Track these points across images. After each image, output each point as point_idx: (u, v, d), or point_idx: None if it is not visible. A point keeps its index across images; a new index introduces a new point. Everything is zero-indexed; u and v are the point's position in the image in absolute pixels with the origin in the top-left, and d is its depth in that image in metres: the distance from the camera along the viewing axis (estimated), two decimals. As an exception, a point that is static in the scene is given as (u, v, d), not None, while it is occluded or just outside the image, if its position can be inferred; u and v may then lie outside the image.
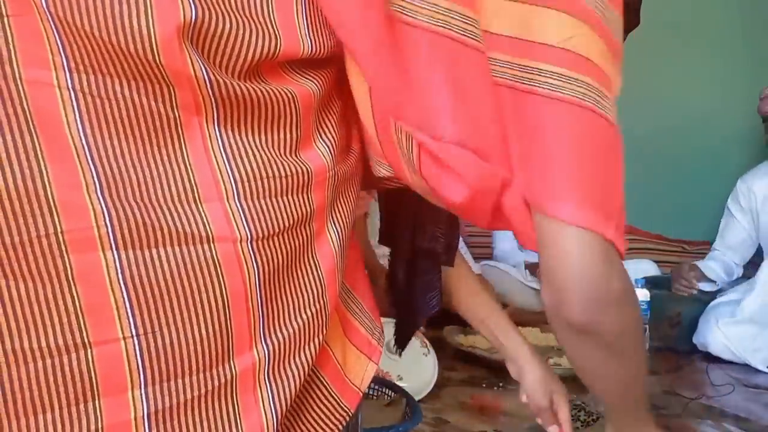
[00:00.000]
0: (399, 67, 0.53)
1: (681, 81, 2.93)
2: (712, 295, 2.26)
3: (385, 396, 1.33)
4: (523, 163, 0.54)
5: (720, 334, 2.01)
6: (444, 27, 0.52)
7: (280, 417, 0.52)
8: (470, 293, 0.99)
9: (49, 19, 0.45)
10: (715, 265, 2.36)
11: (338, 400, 0.60)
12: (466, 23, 0.52)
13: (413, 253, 0.85)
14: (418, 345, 1.48)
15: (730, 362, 2.00)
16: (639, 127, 2.99)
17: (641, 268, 2.50)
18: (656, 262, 2.66)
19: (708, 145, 2.89)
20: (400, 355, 0.96)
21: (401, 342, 0.95)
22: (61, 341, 0.45)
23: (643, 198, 2.84)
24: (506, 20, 0.52)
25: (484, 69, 0.53)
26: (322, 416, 0.59)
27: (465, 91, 0.53)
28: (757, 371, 1.92)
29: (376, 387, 1.35)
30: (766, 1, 2.89)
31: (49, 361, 0.44)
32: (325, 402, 0.59)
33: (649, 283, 2.24)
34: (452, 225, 0.84)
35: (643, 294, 2.14)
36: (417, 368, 1.44)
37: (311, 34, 0.52)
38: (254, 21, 0.49)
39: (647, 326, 2.11)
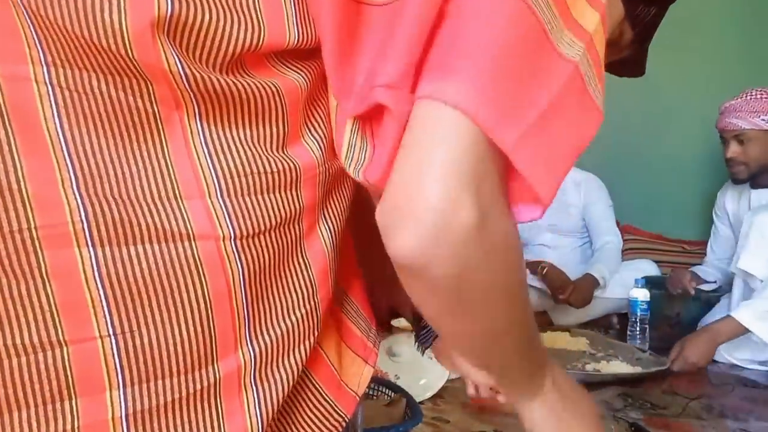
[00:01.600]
0: (357, 49, 0.48)
1: (681, 81, 2.93)
2: (712, 296, 2.26)
3: (385, 396, 1.33)
4: (433, 49, 0.45)
5: None
6: None
7: (266, 422, 0.51)
8: None
9: (24, 12, 0.44)
10: (710, 269, 2.36)
11: (333, 405, 0.58)
12: None
13: None
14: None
15: (730, 362, 2.00)
16: (639, 127, 2.99)
17: (641, 267, 2.51)
18: (656, 262, 2.66)
19: (708, 145, 2.89)
20: (423, 353, 0.92)
21: (422, 339, 0.90)
22: (36, 339, 0.43)
23: (643, 198, 2.85)
24: None
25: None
26: (317, 422, 0.57)
27: (422, 29, 0.45)
28: (758, 371, 1.92)
29: (376, 387, 1.35)
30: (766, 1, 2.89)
31: (24, 359, 0.43)
32: (320, 407, 0.58)
33: (649, 283, 2.25)
34: None
35: (643, 294, 2.14)
36: (422, 371, 1.42)
37: (299, 23, 0.50)
38: (237, 10, 0.47)
39: (647, 326, 2.12)
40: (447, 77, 0.42)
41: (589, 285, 2.35)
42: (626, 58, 0.70)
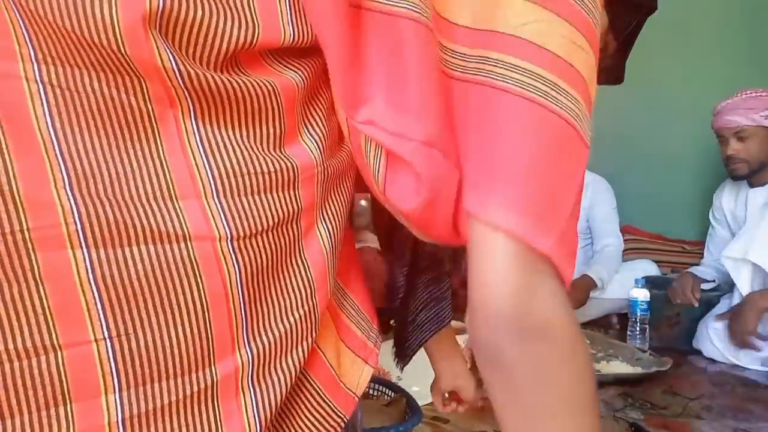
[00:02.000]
0: (361, 58, 0.50)
1: (682, 81, 2.93)
2: (712, 295, 2.26)
3: (385, 396, 1.33)
4: (464, 160, 0.49)
5: (709, 338, 2.04)
6: (415, 11, 0.48)
7: (264, 424, 0.50)
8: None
9: (14, 8, 0.43)
10: (708, 269, 2.36)
11: (332, 406, 0.58)
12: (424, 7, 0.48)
13: (414, 258, 0.82)
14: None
15: (730, 362, 2.00)
16: (639, 127, 2.99)
17: (641, 267, 2.51)
18: (656, 262, 2.66)
19: (708, 145, 2.89)
20: (401, 369, 0.92)
21: (402, 355, 0.91)
22: (29, 343, 0.43)
23: (643, 198, 2.85)
24: (467, 9, 0.49)
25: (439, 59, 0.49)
26: (316, 423, 0.57)
27: (430, 81, 0.49)
28: (757, 371, 1.92)
29: (376, 387, 1.35)
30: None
31: (17, 364, 0.42)
32: (318, 408, 0.57)
33: (649, 283, 2.25)
34: None
35: (643, 294, 2.14)
36: (425, 377, 1.41)
37: (294, 20, 0.49)
38: (230, 7, 0.46)
39: (647, 326, 2.12)
40: (490, 198, 0.47)
41: (584, 286, 2.35)
42: (605, 66, 0.71)
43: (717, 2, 2.91)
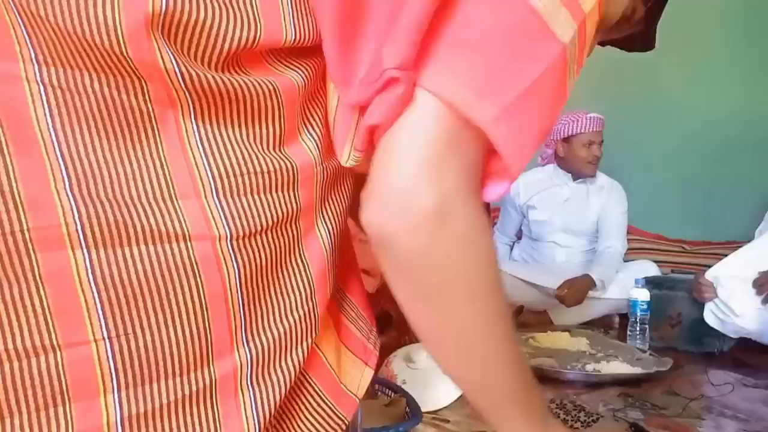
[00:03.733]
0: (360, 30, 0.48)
1: (682, 81, 2.93)
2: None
3: (385, 396, 1.33)
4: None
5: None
6: None
7: (263, 424, 0.50)
8: None
9: (14, 9, 0.43)
10: None
11: (333, 408, 0.58)
12: None
13: None
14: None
15: (730, 362, 2.00)
16: (639, 128, 2.99)
17: (641, 268, 2.50)
18: (656, 262, 2.66)
19: (708, 145, 2.89)
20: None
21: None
22: (28, 343, 0.43)
23: (643, 198, 2.85)
24: None
25: None
26: (316, 424, 0.57)
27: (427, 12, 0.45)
28: (757, 371, 1.92)
29: (376, 387, 1.35)
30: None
31: (16, 364, 0.43)
32: (318, 410, 0.57)
33: (649, 283, 2.24)
34: None
35: (643, 294, 2.14)
36: (430, 385, 1.41)
37: (296, 21, 0.49)
38: (233, 8, 0.46)
39: (647, 326, 2.12)
40: (433, 64, 0.44)
41: (584, 285, 2.35)
42: (635, 33, 0.70)
43: (719, 2, 2.91)
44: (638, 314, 2.12)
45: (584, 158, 2.59)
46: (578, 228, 2.67)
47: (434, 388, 1.39)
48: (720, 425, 1.44)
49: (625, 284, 2.31)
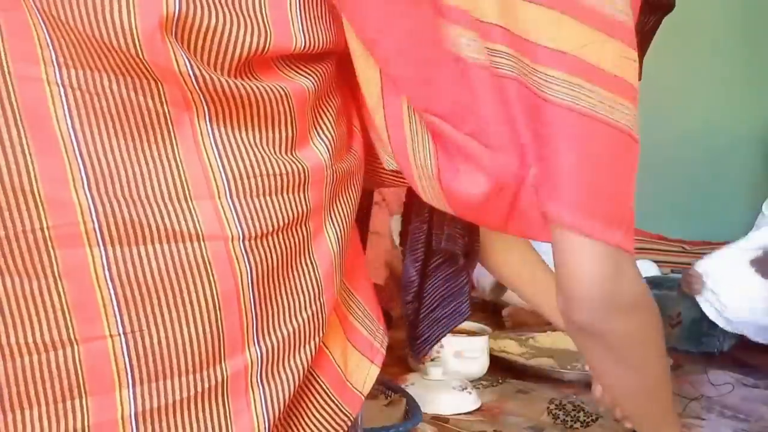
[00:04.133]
0: (427, 58, 0.55)
1: (682, 82, 2.93)
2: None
3: (385, 396, 1.33)
4: (537, 162, 0.56)
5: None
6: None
7: (272, 421, 0.52)
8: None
9: (37, 14, 0.45)
10: None
11: (339, 405, 0.59)
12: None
13: (427, 254, 0.83)
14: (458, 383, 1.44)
15: (730, 362, 2.00)
16: (639, 128, 2.99)
17: (641, 268, 2.50)
18: (656, 262, 2.65)
19: (708, 145, 2.89)
20: (419, 362, 0.94)
21: (418, 350, 0.93)
22: (47, 337, 0.45)
23: (643, 198, 2.84)
24: (514, 18, 0.53)
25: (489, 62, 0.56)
26: (323, 421, 0.58)
27: (479, 83, 0.56)
28: (757, 371, 1.92)
29: (377, 387, 1.35)
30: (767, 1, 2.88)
31: (35, 357, 0.44)
32: (325, 407, 0.59)
33: (649, 283, 2.24)
34: (472, 228, 0.82)
35: (643, 294, 2.14)
36: (434, 395, 1.40)
37: (306, 28, 0.51)
38: (243, 15, 0.48)
39: (647, 326, 2.11)
40: (568, 209, 0.56)
41: None
42: None
43: (717, 3, 2.91)
44: (638, 314, 2.11)
45: None
46: None
47: (440, 397, 1.39)
48: (720, 425, 1.44)
49: None
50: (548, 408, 1.40)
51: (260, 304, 0.50)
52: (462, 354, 1.51)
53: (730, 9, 2.92)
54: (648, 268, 2.52)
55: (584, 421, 1.40)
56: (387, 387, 1.34)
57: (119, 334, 0.45)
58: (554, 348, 1.97)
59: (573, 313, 0.59)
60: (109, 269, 0.45)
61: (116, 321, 0.45)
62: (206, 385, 0.48)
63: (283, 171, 0.51)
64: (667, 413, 0.73)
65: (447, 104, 0.55)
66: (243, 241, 0.48)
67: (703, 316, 2.16)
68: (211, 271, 0.48)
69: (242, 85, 0.49)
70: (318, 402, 0.58)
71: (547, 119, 0.54)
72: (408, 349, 0.91)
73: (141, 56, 0.45)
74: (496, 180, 0.57)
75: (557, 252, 0.58)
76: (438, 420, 1.33)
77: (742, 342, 2.06)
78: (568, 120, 0.53)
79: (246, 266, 0.49)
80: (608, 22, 0.53)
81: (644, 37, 0.73)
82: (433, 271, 0.85)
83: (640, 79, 0.78)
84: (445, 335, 0.90)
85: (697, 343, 2.12)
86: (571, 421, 1.40)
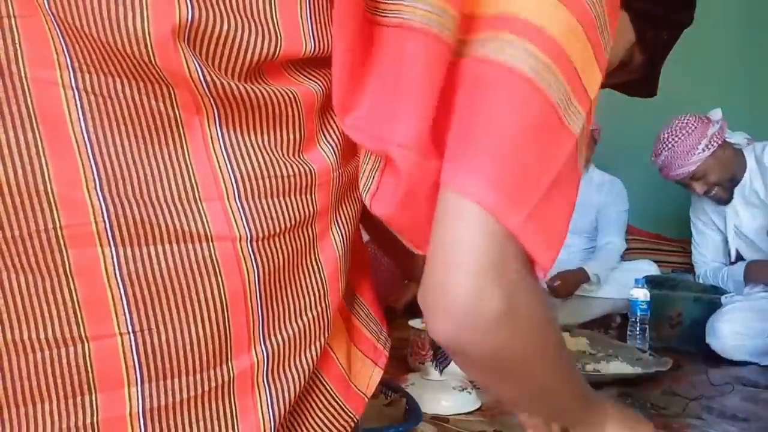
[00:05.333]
0: (366, 69, 0.51)
1: (682, 82, 2.93)
2: (713, 297, 2.26)
3: (385, 396, 1.33)
4: (450, 135, 0.49)
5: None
6: (427, 25, 0.48)
7: (278, 420, 0.52)
8: None
9: (53, 20, 0.45)
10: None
11: (343, 405, 0.60)
12: (442, 17, 0.47)
13: None
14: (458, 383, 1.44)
15: (730, 362, 2.00)
16: (638, 127, 2.99)
17: (641, 268, 2.50)
18: (656, 262, 2.66)
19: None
20: (440, 372, 0.91)
21: (440, 359, 0.92)
22: (59, 334, 0.45)
23: (643, 198, 2.85)
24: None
25: (447, 61, 0.49)
26: (326, 421, 0.59)
27: (424, 92, 0.48)
28: (758, 371, 1.92)
29: (377, 386, 1.35)
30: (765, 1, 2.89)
31: (47, 353, 0.45)
32: (329, 407, 0.59)
33: (649, 282, 2.24)
34: None
35: (643, 294, 2.14)
36: (433, 396, 1.41)
37: (315, 33, 0.51)
38: (255, 21, 0.48)
39: (647, 326, 2.12)
40: (464, 167, 0.47)
41: (576, 277, 2.36)
42: (637, 78, 0.71)
43: (718, 5, 2.91)
44: (638, 314, 2.12)
45: None
46: (576, 225, 2.67)
47: (440, 397, 1.39)
48: (720, 425, 1.44)
49: (625, 283, 2.31)
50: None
51: (267, 304, 0.51)
52: (462, 354, 1.51)
53: (732, 10, 2.92)
54: (648, 269, 2.53)
55: (584, 421, 1.40)
56: (387, 387, 1.34)
57: (129, 333, 0.46)
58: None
59: (434, 326, 0.47)
60: (120, 268, 0.46)
61: (126, 319, 0.46)
62: (213, 384, 0.49)
63: (291, 173, 0.51)
64: (575, 413, 0.60)
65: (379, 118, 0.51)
66: (251, 241, 0.49)
67: (703, 316, 2.16)
68: (220, 271, 0.48)
69: (252, 89, 0.49)
70: (322, 403, 0.59)
71: (471, 78, 0.48)
72: (432, 360, 0.90)
73: (153, 62, 0.45)
74: (405, 187, 0.49)
75: (439, 223, 0.47)
76: (438, 420, 1.33)
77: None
78: (490, 74, 0.47)
79: (253, 266, 0.49)
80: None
81: (657, 51, 0.71)
82: None
83: (654, 95, 0.76)
84: None
85: (697, 344, 2.12)
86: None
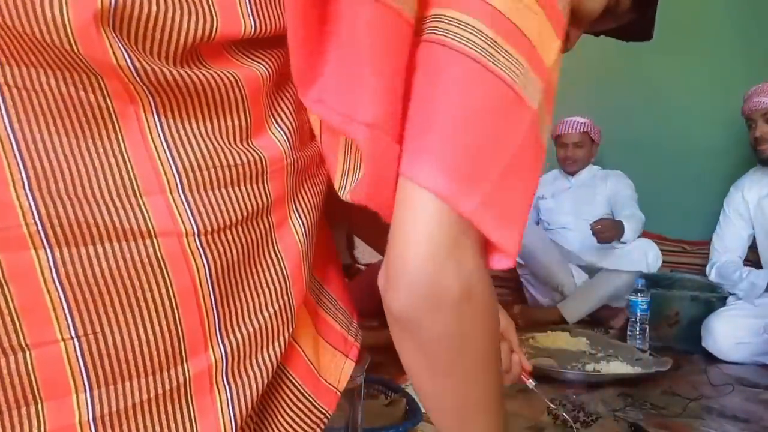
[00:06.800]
0: (322, 39, 0.49)
1: (682, 82, 2.93)
2: (712, 296, 2.26)
3: (385, 396, 1.33)
4: (407, 121, 0.48)
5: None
6: None
7: (240, 420, 0.50)
8: None
9: None
10: (733, 266, 2.34)
11: (313, 401, 0.57)
12: None
13: None
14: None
15: (730, 362, 2.00)
16: (639, 128, 2.99)
17: (644, 244, 2.48)
18: (656, 261, 2.66)
19: (708, 145, 2.89)
20: None
21: None
22: None
23: (643, 198, 2.84)
24: None
25: (409, 39, 0.48)
26: (297, 418, 0.56)
27: (384, 65, 0.47)
28: (757, 371, 1.92)
29: (377, 387, 1.35)
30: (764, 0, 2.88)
31: None
32: (298, 403, 0.56)
33: (650, 282, 2.24)
34: None
35: (643, 294, 2.14)
36: None
37: (255, 12, 0.49)
38: (186, 1, 0.46)
39: (647, 326, 2.12)
40: (416, 154, 0.46)
41: (615, 225, 2.38)
42: (629, 23, 0.70)
43: (718, 3, 2.91)
44: (638, 314, 2.12)
45: (562, 157, 2.78)
46: (587, 211, 2.69)
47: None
48: (720, 425, 1.44)
49: (632, 258, 2.38)
50: (548, 408, 1.40)
51: (222, 301, 0.48)
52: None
53: (732, 9, 2.92)
54: (650, 248, 2.51)
55: (584, 420, 1.40)
56: (387, 387, 1.34)
57: (72, 338, 0.44)
58: (554, 348, 1.98)
59: (392, 290, 0.47)
60: (57, 271, 0.43)
61: (68, 324, 0.43)
62: (167, 387, 0.47)
63: (239, 161, 0.49)
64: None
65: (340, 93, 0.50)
66: (198, 236, 0.47)
67: (701, 315, 2.16)
68: (166, 268, 0.46)
69: (188, 74, 0.46)
70: (291, 399, 0.56)
71: (423, 61, 0.47)
72: None
73: (76, 51, 0.43)
74: (371, 168, 0.48)
75: (397, 211, 0.47)
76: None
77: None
78: (439, 57, 0.46)
79: (203, 262, 0.47)
80: None
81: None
82: None
83: (650, 38, 0.72)
84: None
85: (696, 343, 2.12)
86: (571, 420, 1.40)
